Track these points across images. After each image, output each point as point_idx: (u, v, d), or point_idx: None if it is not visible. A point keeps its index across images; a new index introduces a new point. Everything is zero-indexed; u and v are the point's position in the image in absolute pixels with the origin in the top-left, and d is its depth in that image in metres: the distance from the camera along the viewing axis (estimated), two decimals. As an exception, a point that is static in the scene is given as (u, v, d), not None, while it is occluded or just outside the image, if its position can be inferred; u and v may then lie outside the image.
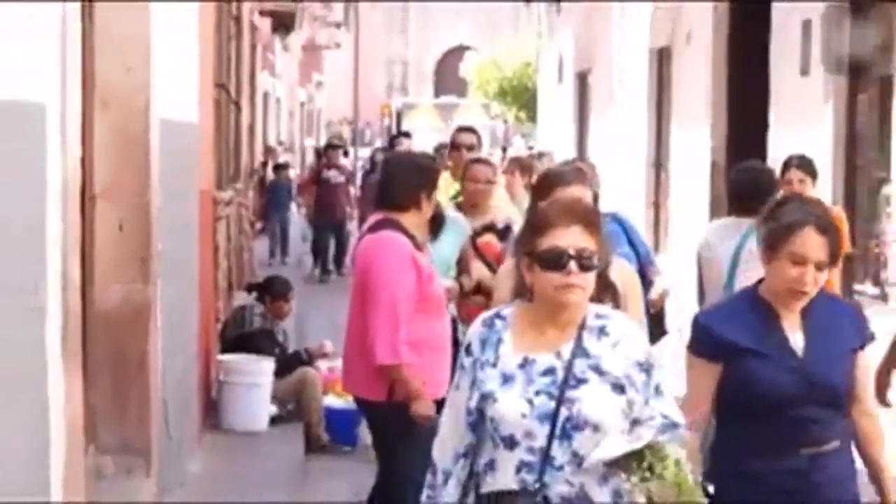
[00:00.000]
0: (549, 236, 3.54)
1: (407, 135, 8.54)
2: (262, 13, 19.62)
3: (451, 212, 6.96)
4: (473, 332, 3.68)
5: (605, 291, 3.92)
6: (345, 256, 18.05)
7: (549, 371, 3.51)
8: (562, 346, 3.55)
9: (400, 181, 5.96)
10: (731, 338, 4.04)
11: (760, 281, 4.16)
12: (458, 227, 6.87)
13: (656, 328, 6.40)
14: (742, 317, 4.13)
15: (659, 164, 17.38)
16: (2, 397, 4.11)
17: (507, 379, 3.53)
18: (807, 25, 12.17)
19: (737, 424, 4.09)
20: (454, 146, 8.98)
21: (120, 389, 6.11)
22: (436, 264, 6.12)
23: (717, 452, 4.17)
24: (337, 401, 8.86)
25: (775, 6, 13.03)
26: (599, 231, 3.63)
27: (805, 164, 7.67)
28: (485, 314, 3.77)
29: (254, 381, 8.62)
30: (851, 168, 11.65)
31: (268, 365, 8.74)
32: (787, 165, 7.65)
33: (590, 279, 3.54)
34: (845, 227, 8.10)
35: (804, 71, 12.26)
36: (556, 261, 3.49)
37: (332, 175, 19.20)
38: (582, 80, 21.80)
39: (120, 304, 6.14)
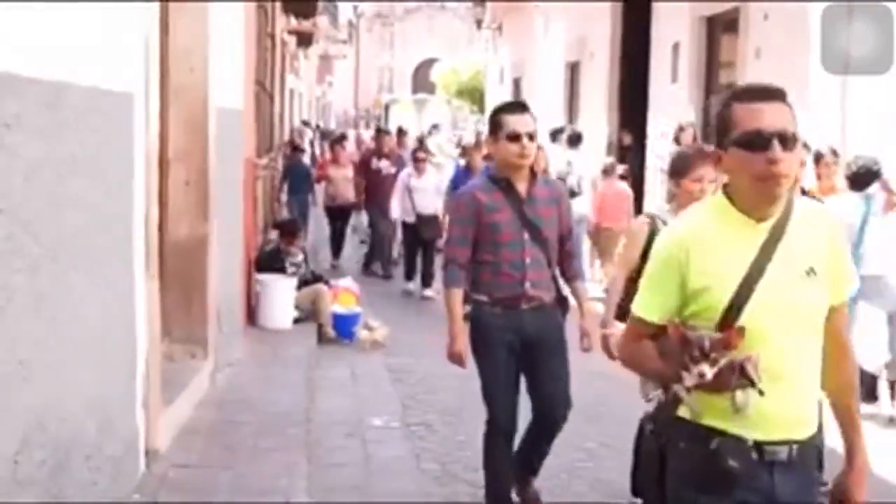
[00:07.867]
0: None
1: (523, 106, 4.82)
2: (289, 32, 19.36)
3: None
4: None
5: None
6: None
7: None
8: None
9: None
10: None
11: None
12: None
13: None
14: None
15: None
16: (104, 302, 4.11)
17: None
18: (676, 46, 12.15)
19: None
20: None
21: (186, 297, 6.11)
22: None
23: None
24: (341, 308, 8.87)
25: (654, 33, 13.00)
26: None
27: None
28: None
29: (281, 293, 8.61)
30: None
31: (291, 282, 8.73)
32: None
33: None
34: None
35: (674, 80, 12.26)
36: None
37: (384, 166, 12.24)
38: (516, 83, 21.66)
39: (186, 236, 6.12)
